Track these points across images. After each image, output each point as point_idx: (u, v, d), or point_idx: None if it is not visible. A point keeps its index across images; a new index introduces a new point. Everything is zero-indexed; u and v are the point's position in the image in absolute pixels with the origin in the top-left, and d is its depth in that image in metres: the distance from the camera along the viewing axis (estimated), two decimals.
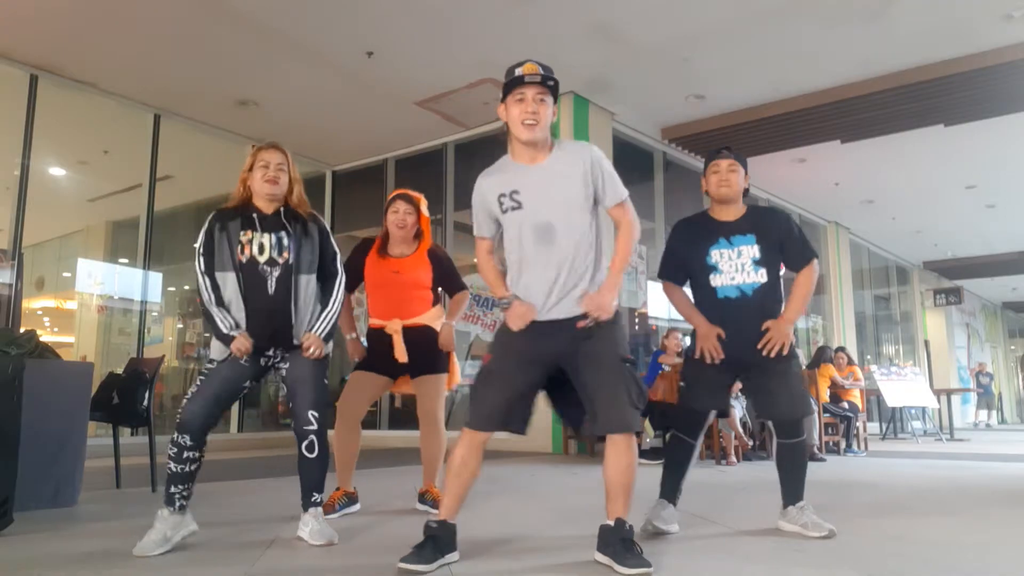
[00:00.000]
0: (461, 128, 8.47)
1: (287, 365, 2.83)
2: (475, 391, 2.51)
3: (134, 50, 6.71)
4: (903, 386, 10.09)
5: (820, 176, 10.27)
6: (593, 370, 2.42)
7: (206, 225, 2.82)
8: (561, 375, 2.51)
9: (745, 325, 2.94)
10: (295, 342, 2.81)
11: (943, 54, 6.86)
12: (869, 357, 13.99)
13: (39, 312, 9.69)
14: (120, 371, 4.72)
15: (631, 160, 8.71)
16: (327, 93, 7.57)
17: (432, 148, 8.94)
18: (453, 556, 2.42)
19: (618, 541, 2.33)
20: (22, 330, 3.91)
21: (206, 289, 2.75)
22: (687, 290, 3.16)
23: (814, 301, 12.50)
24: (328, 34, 6.42)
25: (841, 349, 8.80)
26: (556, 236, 2.46)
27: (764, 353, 2.90)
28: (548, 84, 2.46)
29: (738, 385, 3.41)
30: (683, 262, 3.10)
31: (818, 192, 11.04)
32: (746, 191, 3.11)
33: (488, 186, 2.57)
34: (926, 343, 15.37)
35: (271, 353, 2.80)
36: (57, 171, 8.14)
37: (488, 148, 7.91)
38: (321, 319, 2.86)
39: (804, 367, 8.10)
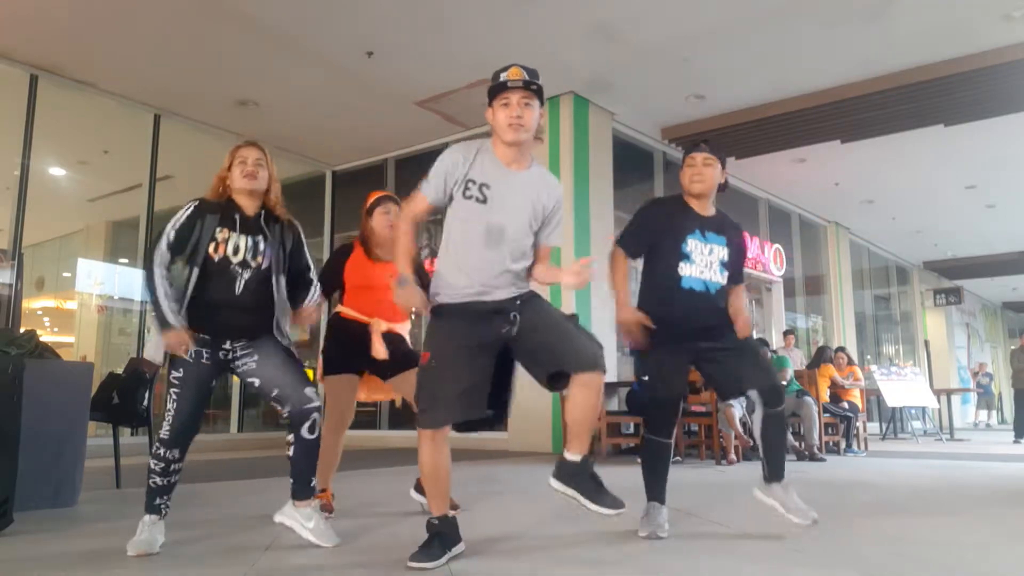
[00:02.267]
0: (461, 128, 8.47)
1: (253, 360, 2.72)
2: (423, 390, 2.43)
3: (134, 50, 6.71)
4: (903, 386, 10.09)
5: (820, 176, 10.28)
6: (542, 330, 2.41)
7: (189, 211, 2.69)
8: (505, 358, 2.49)
9: (703, 316, 2.93)
10: (264, 334, 2.73)
11: (943, 54, 6.86)
12: (869, 357, 13.98)
13: (39, 312, 9.69)
14: (120, 371, 4.73)
15: (631, 160, 8.71)
16: (327, 93, 7.57)
17: (432, 148, 8.93)
18: (460, 547, 2.44)
19: (588, 478, 2.36)
20: (22, 330, 3.91)
21: (161, 265, 2.62)
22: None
23: (814, 301, 12.51)
24: (328, 34, 6.42)
25: (841, 349, 8.79)
26: (504, 241, 2.46)
27: (739, 336, 2.94)
28: (532, 88, 2.47)
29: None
30: (652, 241, 3.01)
31: (818, 192, 11.05)
32: (723, 186, 3.05)
33: (463, 162, 2.52)
34: (926, 343, 15.35)
35: (228, 347, 2.71)
36: (57, 171, 8.14)
37: None
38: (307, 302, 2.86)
39: (804, 367, 8.13)
